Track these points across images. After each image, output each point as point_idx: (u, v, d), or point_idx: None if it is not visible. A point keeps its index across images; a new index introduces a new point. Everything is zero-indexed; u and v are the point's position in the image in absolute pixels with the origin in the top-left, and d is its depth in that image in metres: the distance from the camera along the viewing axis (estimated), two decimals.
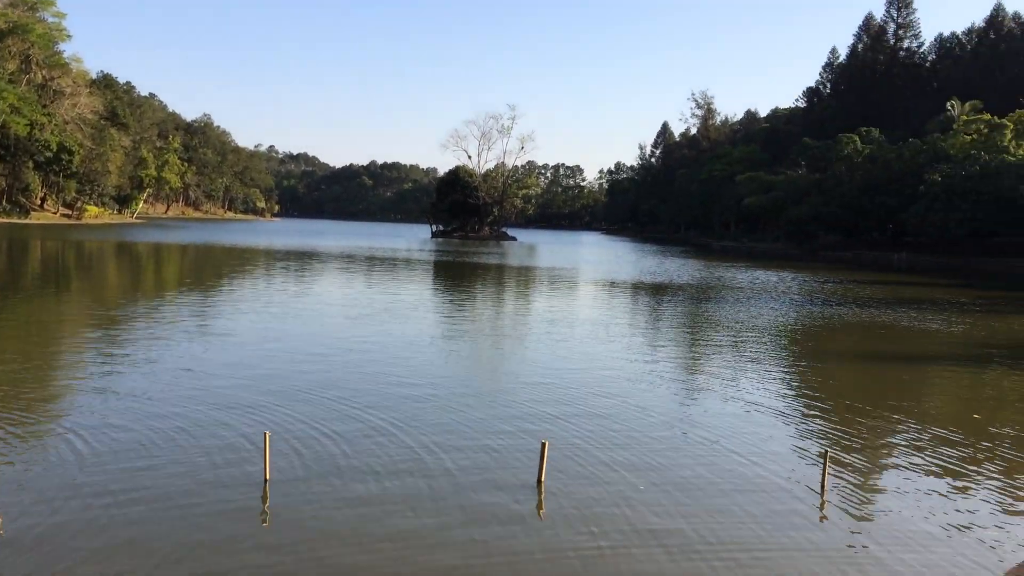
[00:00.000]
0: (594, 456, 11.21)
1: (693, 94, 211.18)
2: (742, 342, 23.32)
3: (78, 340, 19.71)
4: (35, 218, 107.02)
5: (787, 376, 18.57)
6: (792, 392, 16.66)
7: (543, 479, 9.97)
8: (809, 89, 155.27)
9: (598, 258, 77.86)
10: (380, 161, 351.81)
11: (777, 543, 8.49)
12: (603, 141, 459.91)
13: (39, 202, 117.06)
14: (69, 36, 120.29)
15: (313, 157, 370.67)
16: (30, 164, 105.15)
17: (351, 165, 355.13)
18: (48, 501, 8.75)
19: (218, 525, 8.33)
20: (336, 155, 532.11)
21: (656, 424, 13.18)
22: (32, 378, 14.99)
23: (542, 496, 9.60)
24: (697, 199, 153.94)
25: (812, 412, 14.71)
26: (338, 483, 9.72)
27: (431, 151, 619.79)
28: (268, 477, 9.67)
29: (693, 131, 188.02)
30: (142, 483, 9.45)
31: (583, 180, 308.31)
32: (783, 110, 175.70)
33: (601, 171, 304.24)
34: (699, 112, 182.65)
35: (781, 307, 33.94)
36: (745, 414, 14.15)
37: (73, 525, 8.15)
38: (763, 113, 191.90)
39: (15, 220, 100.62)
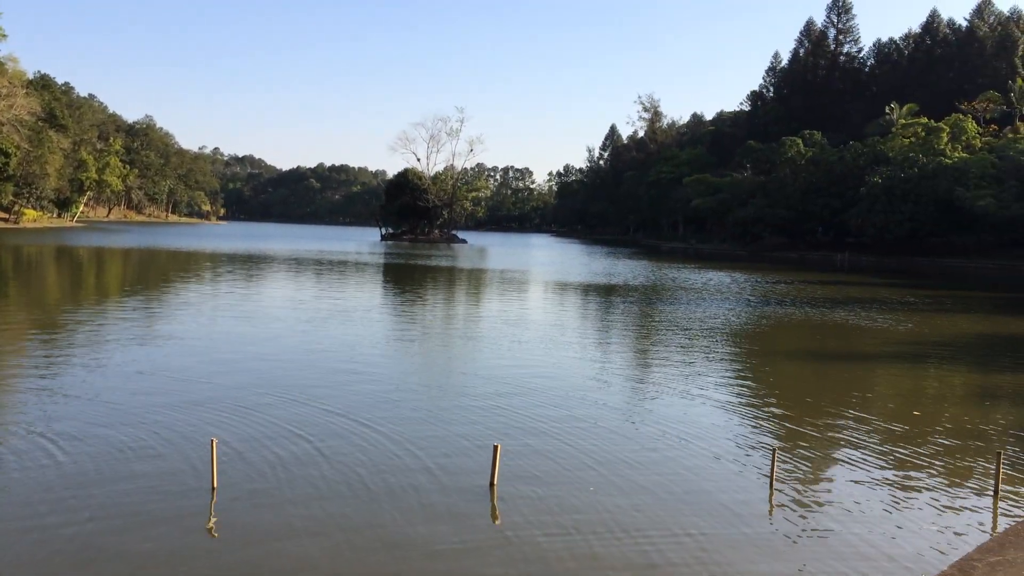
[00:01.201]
0: (546, 456, 11.24)
1: (640, 97, 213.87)
2: (693, 342, 23.61)
3: (17, 347, 19.12)
4: None
5: (737, 374, 18.85)
6: (742, 389, 16.91)
7: (495, 482, 9.97)
8: (753, 93, 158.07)
9: (549, 260, 78.20)
10: (328, 163, 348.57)
11: (727, 534, 8.66)
12: (552, 144, 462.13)
13: None
14: (4, 36, 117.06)
15: (259, 159, 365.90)
16: None
17: (298, 167, 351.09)
18: None
19: (164, 535, 8.14)
20: (282, 157, 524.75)
21: (608, 423, 13.25)
22: None
23: (495, 499, 9.59)
24: (645, 201, 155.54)
25: (762, 408, 14.97)
26: (285, 489, 9.59)
27: (380, 153, 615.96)
28: (215, 485, 9.50)
29: (640, 134, 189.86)
30: (86, 491, 9.20)
31: (532, 183, 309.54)
32: (728, 113, 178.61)
33: (550, 173, 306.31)
34: (646, 115, 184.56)
35: (731, 307, 34.45)
36: (696, 411, 14.33)
37: (11, 535, 7.89)
38: (709, 116, 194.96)
39: None
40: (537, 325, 26.65)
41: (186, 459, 10.54)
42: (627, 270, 61.96)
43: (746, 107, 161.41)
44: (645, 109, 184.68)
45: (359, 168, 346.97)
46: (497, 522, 8.94)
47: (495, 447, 10.17)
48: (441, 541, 8.28)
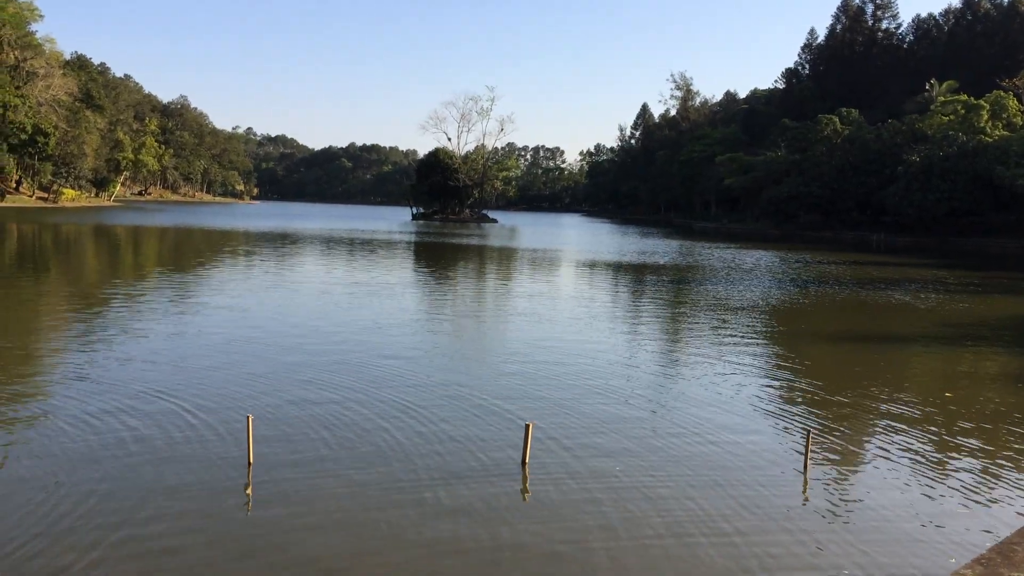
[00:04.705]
0: (577, 437, 11.24)
1: (672, 75, 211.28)
2: (722, 322, 23.45)
3: (56, 324, 19.49)
4: (10, 201, 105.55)
5: (767, 356, 18.69)
6: (772, 372, 16.77)
7: (527, 460, 10.00)
8: (788, 70, 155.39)
9: (579, 239, 77.93)
10: (359, 143, 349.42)
11: (760, 514, 8.60)
12: (583, 123, 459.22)
13: (14, 185, 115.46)
14: (41, 16, 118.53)
15: (292, 139, 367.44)
16: (4, 147, 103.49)
17: (330, 147, 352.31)
18: (29, 489, 8.67)
19: (198, 509, 8.27)
20: (315, 137, 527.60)
21: (638, 404, 13.22)
22: (12, 363, 14.81)
23: (526, 477, 9.62)
24: (677, 180, 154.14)
25: (795, 388, 14.84)
26: (319, 465, 9.69)
27: (410, 133, 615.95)
28: (251, 460, 9.62)
29: (673, 112, 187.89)
30: (124, 463, 9.36)
31: (563, 162, 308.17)
32: (762, 91, 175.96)
33: (581, 153, 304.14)
34: (678, 93, 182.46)
35: (762, 287, 34.13)
36: (727, 393, 14.23)
37: (52, 515, 8.07)
38: (743, 94, 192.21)
39: None
40: (568, 303, 26.60)
41: (221, 434, 10.68)
42: (659, 249, 61.58)
43: (780, 85, 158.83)
44: (677, 87, 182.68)
45: (390, 148, 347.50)
46: (527, 500, 8.97)
47: (527, 425, 10.19)
48: (472, 519, 8.32)
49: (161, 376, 13.91)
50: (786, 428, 12.26)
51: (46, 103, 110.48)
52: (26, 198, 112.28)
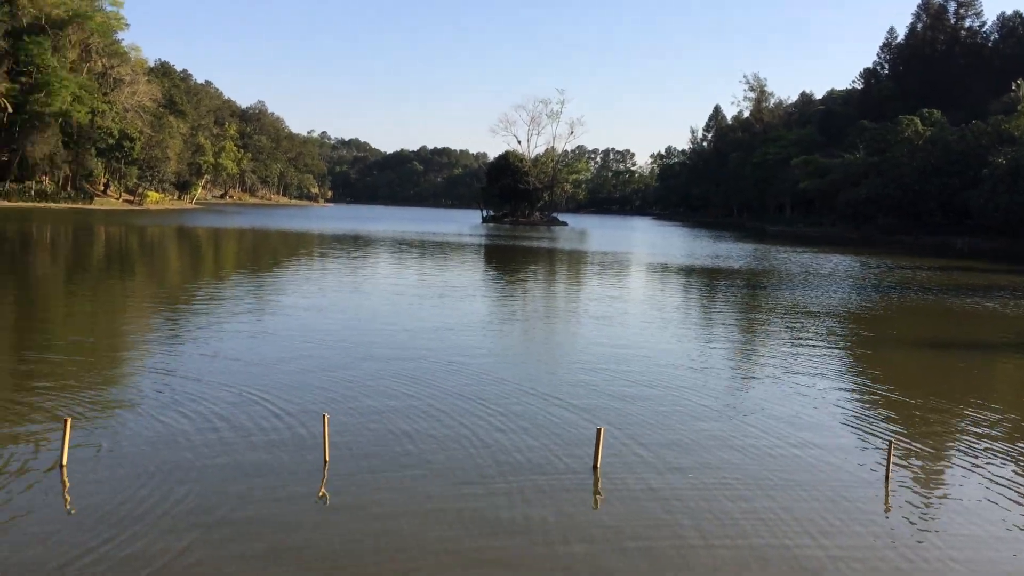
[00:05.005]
0: (649, 442, 11.14)
1: (746, 76, 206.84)
2: (800, 327, 22.96)
3: (143, 322, 20.21)
4: (99, 203, 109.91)
5: (847, 362, 18.22)
6: (853, 379, 16.34)
7: (599, 464, 9.96)
8: (866, 70, 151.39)
9: (650, 242, 77.27)
10: (430, 146, 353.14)
11: (839, 534, 8.31)
12: (654, 125, 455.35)
13: (102, 188, 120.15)
14: (127, 25, 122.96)
15: (365, 143, 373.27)
16: (93, 151, 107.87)
17: (402, 151, 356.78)
18: (127, 478, 9.01)
19: (277, 508, 8.46)
20: (387, 141, 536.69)
21: (711, 411, 13.04)
22: (104, 358, 15.43)
23: (598, 481, 9.58)
24: (750, 183, 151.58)
25: (874, 400, 14.42)
26: (393, 462, 9.82)
27: (481, 136, 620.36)
28: (327, 458, 9.80)
29: (746, 114, 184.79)
30: (203, 460, 9.64)
31: (633, 165, 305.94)
32: (839, 92, 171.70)
33: (652, 155, 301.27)
34: (752, 95, 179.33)
35: (839, 292, 33.30)
36: (804, 401, 13.93)
37: (147, 503, 8.36)
38: (819, 95, 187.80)
39: (80, 205, 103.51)
40: (639, 307, 26.41)
41: (297, 432, 10.91)
42: (732, 253, 60.64)
43: (858, 85, 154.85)
44: (751, 88, 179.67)
45: (461, 151, 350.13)
46: (599, 506, 8.93)
47: (598, 430, 10.15)
48: (544, 520, 8.32)
49: (244, 373, 14.29)
50: (867, 436, 11.93)
51: (132, 109, 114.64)
52: (113, 201, 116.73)
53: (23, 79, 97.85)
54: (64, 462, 9.26)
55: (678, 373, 15.89)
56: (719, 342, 20.50)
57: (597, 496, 9.19)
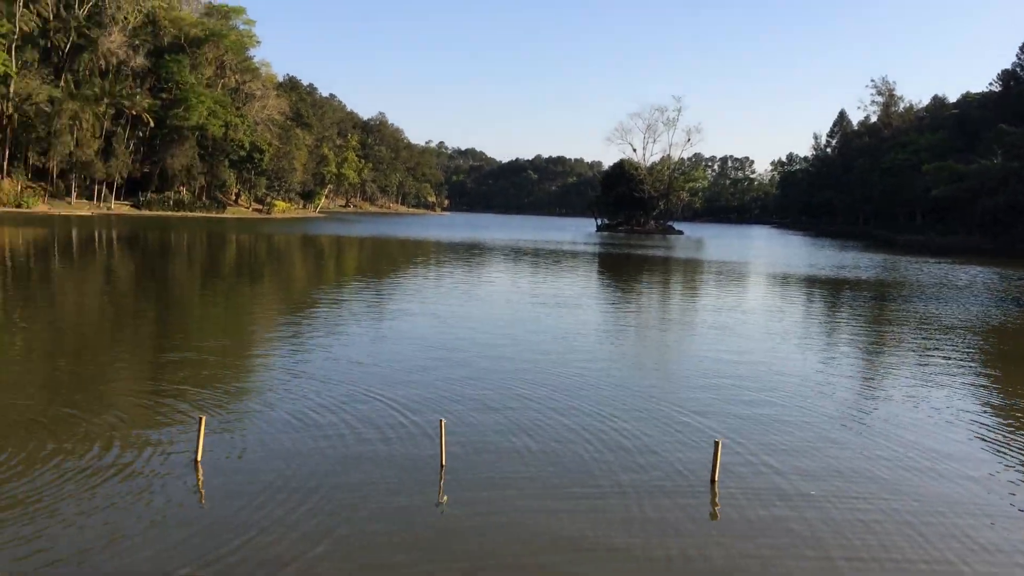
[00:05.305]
0: (771, 456, 10.82)
1: (873, 80, 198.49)
2: (933, 341, 21.82)
3: (271, 326, 21.12)
4: (230, 212, 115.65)
5: (985, 378, 17.20)
6: (991, 395, 15.41)
7: (716, 478, 9.74)
8: (1004, 72, 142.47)
9: (770, 251, 75.15)
10: (545, 155, 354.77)
11: (984, 559, 7.86)
12: (775, 131, 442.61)
13: (234, 197, 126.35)
14: (258, 42, 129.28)
15: (481, 152, 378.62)
16: (226, 163, 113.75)
17: (517, 160, 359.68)
18: (263, 480, 9.43)
19: (400, 513, 8.65)
20: (503, 150, 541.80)
21: (837, 424, 12.55)
22: (236, 360, 16.22)
23: (715, 496, 9.38)
24: (877, 190, 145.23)
25: (1016, 417, 13.55)
26: (509, 471, 9.89)
27: (596, 145, 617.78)
28: (444, 463, 9.96)
29: (873, 119, 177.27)
30: (333, 464, 9.98)
31: (752, 172, 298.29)
32: (974, 95, 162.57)
33: (772, 162, 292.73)
34: (879, 99, 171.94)
35: (977, 305, 31.48)
36: (938, 416, 13.23)
37: (283, 505, 8.69)
38: (952, 99, 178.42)
39: (213, 214, 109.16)
40: (759, 317, 25.71)
41: (416, 435, 11.14)
42: (859, 263, 58.23)
43: (996, 87, 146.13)
44: (878, 92, 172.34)
45: (575, 159, 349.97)
46: (716, 519, 8.73)
47: (716, 443, 9.94)
48: (660, 536, 8.21)
49: (368, 377, 14.71)
50: (1009, 456, 11.23)
51: (262, 122, 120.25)
52: (243, 210, 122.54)
53: (164, 95, 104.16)
54: (199, 458, 9.74)
55: (800, 385, 15.39)
56: (844, 354, 19.72)
57: (715, 510, 8.99)
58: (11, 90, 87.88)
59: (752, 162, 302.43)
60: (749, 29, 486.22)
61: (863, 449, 11.33)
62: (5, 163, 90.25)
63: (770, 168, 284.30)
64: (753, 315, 26.73)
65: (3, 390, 12.91)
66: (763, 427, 12.27)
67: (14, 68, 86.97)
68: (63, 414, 11.46)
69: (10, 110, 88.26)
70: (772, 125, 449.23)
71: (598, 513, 8.65)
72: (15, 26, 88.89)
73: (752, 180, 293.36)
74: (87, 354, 16.59)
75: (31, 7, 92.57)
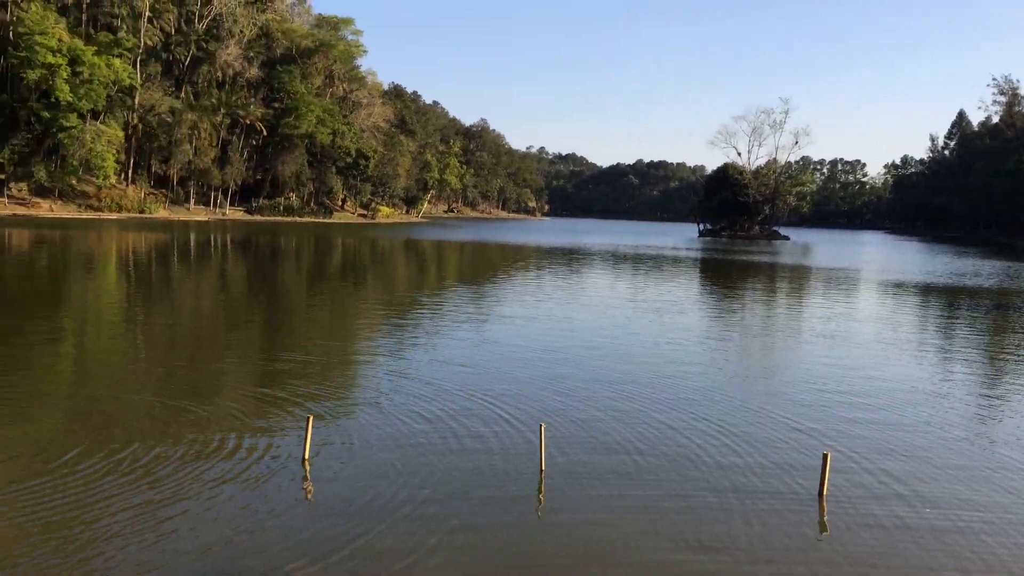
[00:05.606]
0: (883, 470, 10.40)
1: (995, 79, 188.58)
2: None
3: (376, 328, 21.63)
4: (337, 217, 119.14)
5: None
6: None
7: (825, 491, 9.43)
8: None
9: (883, 258, 72.22)
10: (646, 160, 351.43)
11: None
12: (888, 134, 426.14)
13: (340, 203, 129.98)
14: (365, 51, 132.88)
15: (581, 157, 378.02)
16: (333, 169, 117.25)
17: (617, 164, 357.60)
18: (376, 479, 9.65)
19: (502, 516, 8.70)
20: (603, 155, 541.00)
21: (955, 439, 11.96)
22: (344, 361, 16.69)
23: (824, 510, 9.07)
24: (999, 194, 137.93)
25: None
26: (610, 476, 9.82)
27: (698, 149, 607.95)
28: (543, 467, 9.97)
29: (995, 119, 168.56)
30: (438, 465, 10.11)
31: (863, 175, 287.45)
32: None
33: (885, 166, 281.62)
34: (1002, 98, 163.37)
35: None
36: None
37: (394, 503, 8.86)
38: None
39: (320, 219, 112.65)
40: (870, 326, 24.75)
41: (517, 439, 11.18)
42: (979, 270, 55.33)
43: None
44: (1000, 92, 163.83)
45: (677, 164, 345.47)
46: (826, 533, 8.45)
47: (824, 455, 9.62)
48: (763, 548, 8.00)
49: (471, 379, 14.90)
50: None
51: (368, 129, 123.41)
52: (349, 215, 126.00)
53: (276, 105, 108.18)
54: (306, 456, 10.04)
55: (916, 397, 14.73)
56: (963, 365, 18.78)
57: (822, 525, 8.70)
58: (136, 101, 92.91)
59: (863, 165, 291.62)
60: (858, 25, 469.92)
61: (985, 466, 10.76)
62: (130, 171, 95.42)
63: (883, 171, 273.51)
64: (865, 323, 25.78)
65: (129, 386, 13.66)
66: (876, 439, 11.81)
67: (139, 80, 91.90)
68: (183, 410, 12.02)
69: (135, 121, 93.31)
70: (885, 127, 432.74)
71: (698, 525, 8.51)
72: (140, 40, 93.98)
73: (863, 183, 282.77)
74: (202, 352, 17.37)
75: (155, 22, 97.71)
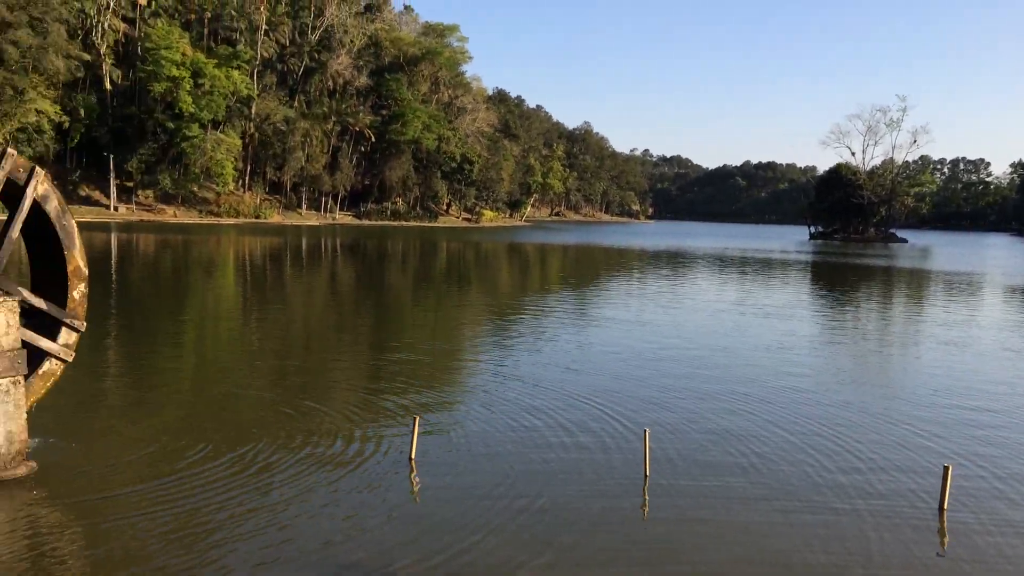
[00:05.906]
0: (1004, 487, 9.87)
1: None
2: None
3: (480, 329, 21.89)
4: (442, 221, 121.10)
5: None
6: None
7: (945, 506, 9.01)
8: None
9: (1009, 262, 68.24)
10: (754, 161, 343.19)
11: None
12: (1013, 131, 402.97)
13: (445, 207, 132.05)
14: (470, 58, 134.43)
15: (686, 159, 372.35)
16: (438, 174, 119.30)
17: (724, 166, 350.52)
18: (486, 482, 9.81)
19: (609, 521, 8.69)
20: (709, 156, 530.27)
21: None
22: (452, 362, 16.98)
23: (944, 524, 8.67)
24: None
25: None
26: (716, 484, 9.65)
27: (809, 149, 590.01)
28: (647, 472, 9.88)
29: None
30: (545, 469, 10.18)
31: (988, 175, 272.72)
32: None
33: (1012, 164, 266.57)
34: None
35: None
36: None
37: (506, 510, 8.96)
38: None
39: (426, 223, 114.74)
40: (994, 332, 23.47)
41: (622, 444, 11.13)
42: None
43: None
44: None
45: (786, 165, 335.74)
46: (944, 551, 8.07)
47: (945, 468, 9.20)
48: (882, 560, 7.72)
49: (576, 382, 14.93)
50: None
51: (472, 135, 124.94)
52: (454, 219, 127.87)
53: (383, 112, 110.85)
54: (413, 455, 10.24)
55: None
56: None
57: (942, 540, 8.32)
58: (253, 111, 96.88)
59: (988, 164, 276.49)
60: (983, 19, 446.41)
61: None
62: (247, 178, 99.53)
63: (1009, 171, 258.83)
64: (989, 331, 24.47)
65: (248, 384, 14.27)
66: (1001, 453, 11.23)
67: (255, 91, 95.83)
68: (298, 407, 12.47)
69: (252, 129, 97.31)
70: (1011, 124, 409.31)
71: (811, 534, 8.31)
72: (257, 53, 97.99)
73: (988, 184, 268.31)
74: (314, 352, 17.97)
75: (271, 35, 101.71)
